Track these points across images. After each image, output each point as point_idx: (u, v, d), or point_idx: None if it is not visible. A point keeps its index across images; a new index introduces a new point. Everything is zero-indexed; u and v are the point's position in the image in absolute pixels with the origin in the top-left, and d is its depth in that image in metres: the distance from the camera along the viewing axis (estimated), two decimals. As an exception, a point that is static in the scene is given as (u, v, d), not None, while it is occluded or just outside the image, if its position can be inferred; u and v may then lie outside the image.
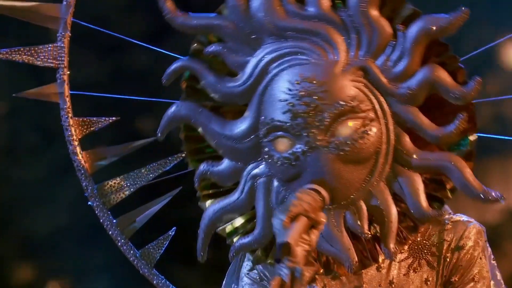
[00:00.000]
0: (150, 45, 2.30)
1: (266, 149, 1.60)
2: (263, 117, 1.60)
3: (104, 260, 4.17)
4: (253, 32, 1.65)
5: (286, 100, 1.55)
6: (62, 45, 2.10)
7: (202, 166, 1.69)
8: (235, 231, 1.69)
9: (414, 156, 1.56)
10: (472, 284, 1.63)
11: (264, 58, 1.61)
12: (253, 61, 1.62)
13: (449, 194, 1.60)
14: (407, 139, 1.57)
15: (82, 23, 2.19)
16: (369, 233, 1.57)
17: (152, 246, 2.08)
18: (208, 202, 1.70)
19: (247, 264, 1.72)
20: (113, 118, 2.18)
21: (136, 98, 2.40)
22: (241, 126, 1.64)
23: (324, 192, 1.45)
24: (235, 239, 1.68)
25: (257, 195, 1.64)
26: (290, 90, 1.54)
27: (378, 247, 1.58)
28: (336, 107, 1.50)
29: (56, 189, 4.32)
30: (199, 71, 1.64)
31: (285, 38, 1.61)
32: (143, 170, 2.13)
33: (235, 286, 1.76)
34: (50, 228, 4.46)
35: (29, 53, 2.09)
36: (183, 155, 2.10)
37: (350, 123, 1.53)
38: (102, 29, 2.32)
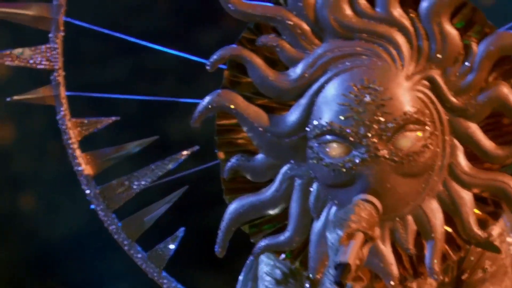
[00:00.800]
0: (165, 44, 2.25)
1: (315, 151, 1.52)
2: (316, 118, 1.51)
3: (124, 265, 4.14)
4: (314, 29, 1.56)
5: (349, 105, 1.48)
6: (55, 45, 2.05)
7: (235, 159, 1.61)
8: (261, 229, 1.63)
9: (468, 173, 1.51)
10: (481, 274, 1.58)
11: (324, 56, 1.52)
12: (309, 58, 1.53)
13: (497, 216, 1.55)
14: (462, 155, 1.52)
15: (75, 22, 2.13)
16: (414, 249, 1.52)
17: (160, 248, 2.00)
18: (234, 196, 1.63)
19: (267, 263, 1.66)
20: (113, 118, 2.12)
21: (134, 97, 2.35)
22: (287, 122, 1.55)
23: (379, 205, 1.41)
24: (260, 238, 1.62)
25: (293, 196, 1.57)
26: (352, 94, 1.46)
27: (420, 264, 1.53)
28: (401, 117, 1.45)
29: (75, 192, 4.29)
30: (247, 61, 1.55)
31: (350, 38, 1.53)
32: (147, 169, 2.07)
33: (251, 284, 1.72)
34: (68, 232, 4.45)
35: (21, 56, 2.03)
36: (188, 153, 2.06)
37: (412, 135, 1.48)
38: (98, 28, 2.27)
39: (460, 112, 1.50)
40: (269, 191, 1.59)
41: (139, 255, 2.00)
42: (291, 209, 1.58)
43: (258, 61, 1.56)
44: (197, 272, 3.73)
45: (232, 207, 1.62)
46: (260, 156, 1.60)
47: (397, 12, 1.53)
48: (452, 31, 1.50)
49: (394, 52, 1.49)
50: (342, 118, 1.45)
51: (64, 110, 2.03)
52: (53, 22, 2.04)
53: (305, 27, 1.54)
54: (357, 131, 1.45)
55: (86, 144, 2.11)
